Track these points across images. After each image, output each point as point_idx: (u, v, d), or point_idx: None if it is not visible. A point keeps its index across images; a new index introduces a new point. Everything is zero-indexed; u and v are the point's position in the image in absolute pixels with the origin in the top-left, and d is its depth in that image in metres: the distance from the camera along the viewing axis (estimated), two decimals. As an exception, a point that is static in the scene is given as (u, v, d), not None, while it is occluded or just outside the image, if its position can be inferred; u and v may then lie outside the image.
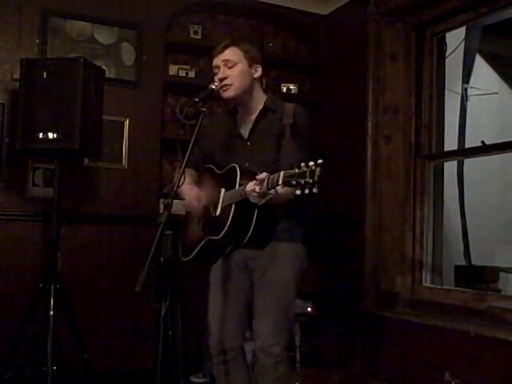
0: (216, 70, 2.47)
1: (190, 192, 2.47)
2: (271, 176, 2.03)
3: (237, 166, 2.35)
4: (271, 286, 2.40)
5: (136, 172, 3.87)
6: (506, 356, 2.86)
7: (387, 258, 3.86)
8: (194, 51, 4.22)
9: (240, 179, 2.30)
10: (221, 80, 2.43)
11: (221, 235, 2.30)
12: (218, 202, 2.40)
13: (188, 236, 2.62)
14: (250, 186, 2.16)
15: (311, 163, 1.86)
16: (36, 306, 3.07)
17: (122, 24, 3.90)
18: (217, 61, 2.46)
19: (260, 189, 2.10)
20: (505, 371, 2.86)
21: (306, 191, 1.86)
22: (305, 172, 1.86)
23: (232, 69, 2.43)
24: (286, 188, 1.95)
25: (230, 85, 2.43)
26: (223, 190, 2.40)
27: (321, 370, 4.00)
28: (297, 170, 1.88)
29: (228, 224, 2.27)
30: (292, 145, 2.28)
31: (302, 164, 1.87)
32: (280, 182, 1.95)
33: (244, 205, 2.24)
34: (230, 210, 2.29)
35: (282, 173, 1.95)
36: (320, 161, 1.86)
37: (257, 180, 2.11)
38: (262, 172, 2.11)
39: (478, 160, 4.13)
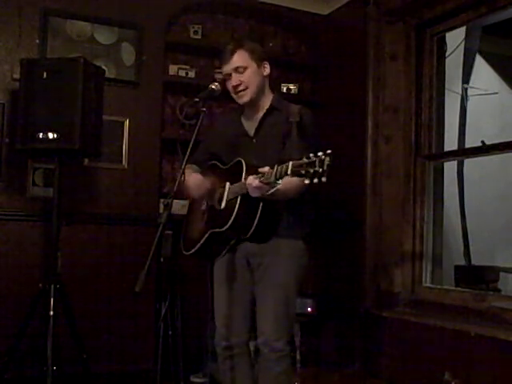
0: (228, 77, 2.49)
1: (193, 179, 2.51)
2: (279, 166, 2.04)
3: (243, 160, 2.37)
4: (272, 284, 2.43)
5: (136, 172, 3.87)
6: (506, 356, 2.86)
7: (387, 258, 3.86)
8: (193, 51, 4.22)
9: (246, 173, 2.31)
10: (235, 87, 2.46)
11: (226, 227, 2.32)
12: (222, 196, 2.42)
13: (191, 231, 2.64)
14: (250, 179, 2.18)
15: (320, 153, 1.88)
16: (36, 306, 3.07)
17: (122, 24, 3.90)
18: (227, 69, 2.48)
19: (266, 179, 2.11)
20: (505, 371, 2.86)
21: (315, 180, 1.88)
22: (314, 161, 1.88)
23: (243, 73, 2.46)
24: (293, 181, 1.98)
25: (245, 89, 2.46)
26: (228, 184, 2.42)
27: (321, 369, 4.00)
28: (306, 160, 1.90)
29: (234, 216, 2.30)
30: (298, 142, 2.30)
31: (311, 154, 1.90)
32: (289, 172, 1.96)
33: (250, 198, 2.26)
34: (236, 202, 2.31)
35: (290, 162, 1.96)
36: (329, 151, 1.88)
37: (259, 173, 2.14)
38: None
39: (478, 160, 4.14)
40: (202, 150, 2.69)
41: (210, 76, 4.13)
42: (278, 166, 2.04)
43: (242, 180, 2.31)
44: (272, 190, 2.15)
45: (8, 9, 3.60)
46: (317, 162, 1.87)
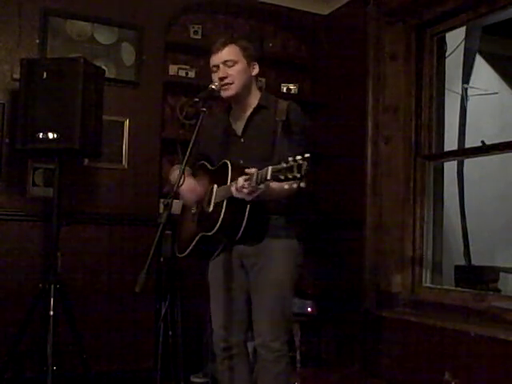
0: (215, 69, 2.47)
1: (186, 183, 2.48)
2: (260, 171, 2.04)
3: (228, 162, 2.36)
4: (267, 284, 2.41)
5: (136, 172, 3.87)
6: (506, 356, 2.86)
7: (387, 258, 3.86)
8: (193, 51, 4.22)
9: (231, 175, 2.30)
10: (221, 79, 2.43)
11: (213, 231, 2.31)
12: (211, 198, 2.41)
13: (183, 232, 2.63)
14: (240, 182, 2.17)
15: (298, 157, 1.86)
16: (36, 306, 3.07)
17: (122, 24, 3.90)
18: (216, 60, 2.45)
19: (249, 184, 2.11)
20: (505, 371, 2.86)
21: (294, 186, 1.87)
22: (292, 166, 1.86)
23: (232, 68, 2.43)
24: (278, 183, 1.95)
25: (230, 84, 2.43)
26: (215, 186, 2.41)
27: (321, 369, 4.00)
28: (284, 165, 1.89)
29: (220, 220, 2.28)
30: (284, 141, 2.29)
31: (290, 158, 1.87)
32: (268, 177, 1.96)
33: (236, 201, 2.24)
34: (222, 206, 2.29)
35: (270, 168, 1.96)
36: (307, 155, 1.85)
37: (246, 175, 2.12)
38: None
39: (478, 160, 4.13)
40: (194, 151, 2.65)
41: (210, 76, 4.12)
42: (259, 171, 2.04)
43: (228, 183, 2.29)
44: (255, 195, 2.14)
45: (8, 9, 3.60)
46: (295, 168, 1.85)
